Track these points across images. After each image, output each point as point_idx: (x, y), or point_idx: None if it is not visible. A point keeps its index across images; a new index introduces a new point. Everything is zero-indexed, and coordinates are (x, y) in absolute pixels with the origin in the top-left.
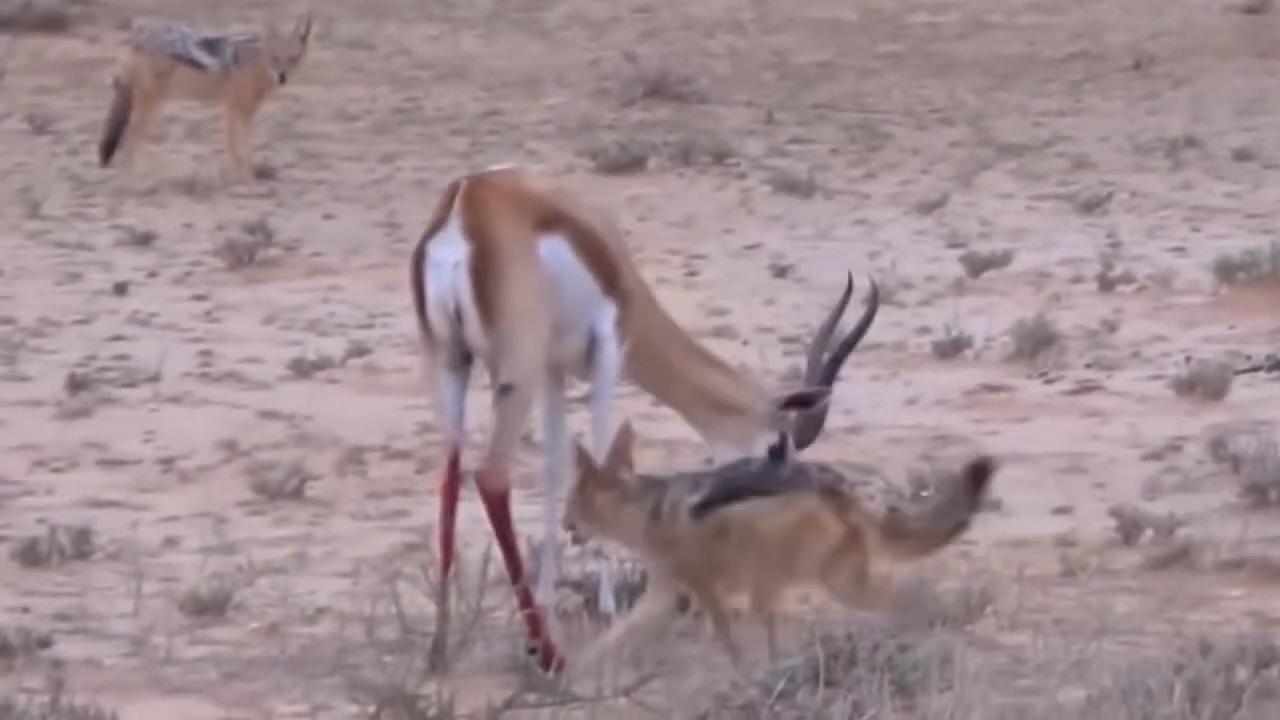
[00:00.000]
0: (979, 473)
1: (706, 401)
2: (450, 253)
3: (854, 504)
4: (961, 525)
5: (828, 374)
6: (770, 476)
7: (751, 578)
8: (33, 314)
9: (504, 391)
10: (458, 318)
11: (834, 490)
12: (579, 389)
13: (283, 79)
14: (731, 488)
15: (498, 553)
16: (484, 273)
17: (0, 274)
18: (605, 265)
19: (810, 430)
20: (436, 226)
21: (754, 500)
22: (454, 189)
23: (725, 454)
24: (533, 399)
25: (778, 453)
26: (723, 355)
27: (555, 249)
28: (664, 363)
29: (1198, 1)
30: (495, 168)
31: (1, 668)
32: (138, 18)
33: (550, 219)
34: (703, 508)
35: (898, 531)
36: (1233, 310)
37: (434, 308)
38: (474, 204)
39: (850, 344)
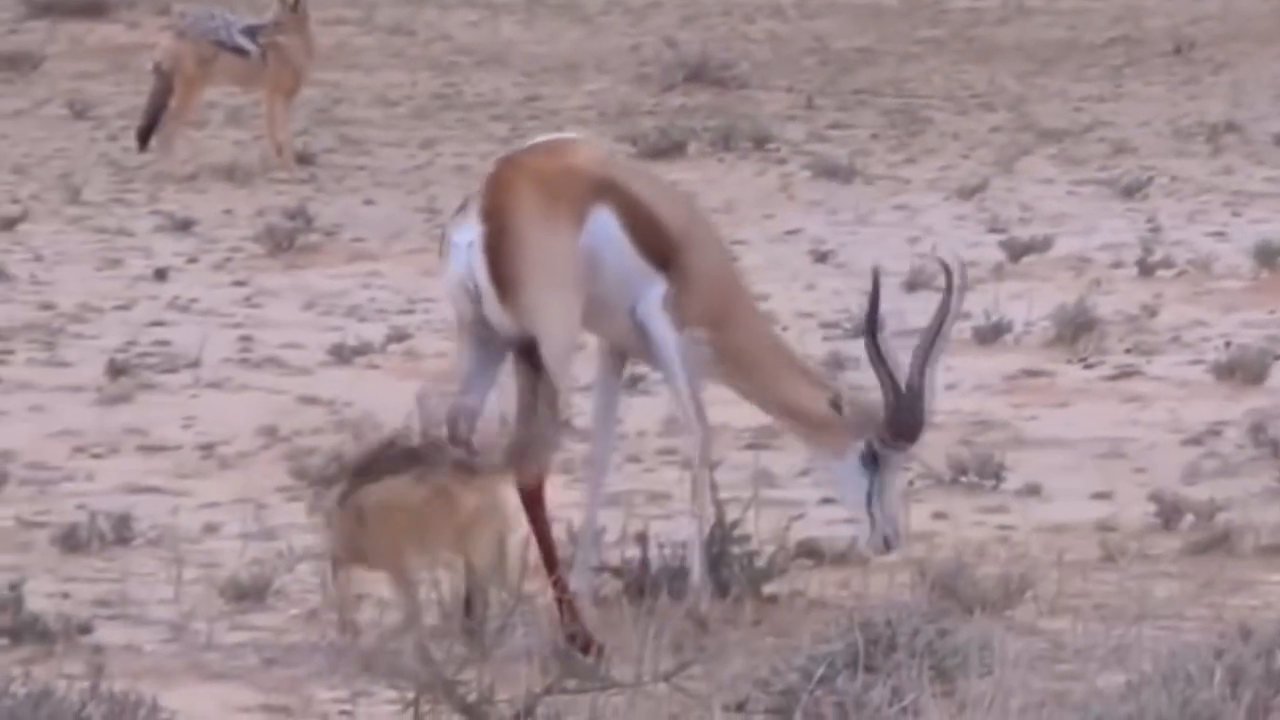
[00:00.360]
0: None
1: (796, 413)
2: (465, 234)
3: (486, 476)
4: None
5: (914, 371)
6: (403, 455)
7: (389, 555)
8: (73, 300)
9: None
10: (477, 298)
11: (465, 464)
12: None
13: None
14: (363, 468)
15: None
16: (498, 253)
17: (40, 260)
18: (657, 240)
19: (912, 428)
20: (462, 208)
21: (386, 480)
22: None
23: (821, 461)
24: (563, 382)
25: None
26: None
27: (601, 220)
28: (752, 368)
29: None
30: (552, 137)
31: (41, 654)
32: (178, 3)
33: (597, 190)
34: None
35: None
36: (1273, 295)
37: (454, 288)
38: (496, 185)
39: (933, 336)
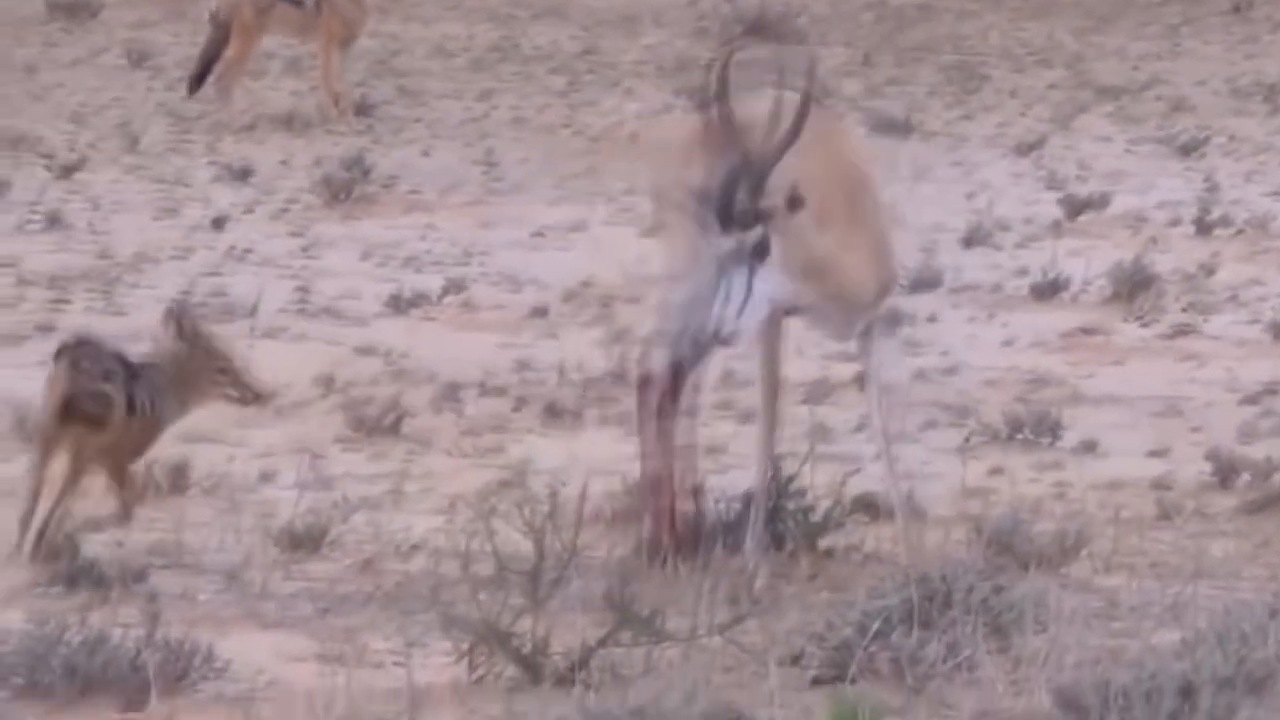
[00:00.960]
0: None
1: None
2: None
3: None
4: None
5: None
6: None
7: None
8: (130, 248)
9: None
10: None
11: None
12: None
13: None
14: None
15: (593, 490)
16: None
17: (98, 208)
18: None
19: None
20: None
21: None
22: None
23: None
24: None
25: None
26: None
27: None
28: None
29: None
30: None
31: (97, 601)
32: None
33: None
34: None
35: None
36: None
37: None
38: None
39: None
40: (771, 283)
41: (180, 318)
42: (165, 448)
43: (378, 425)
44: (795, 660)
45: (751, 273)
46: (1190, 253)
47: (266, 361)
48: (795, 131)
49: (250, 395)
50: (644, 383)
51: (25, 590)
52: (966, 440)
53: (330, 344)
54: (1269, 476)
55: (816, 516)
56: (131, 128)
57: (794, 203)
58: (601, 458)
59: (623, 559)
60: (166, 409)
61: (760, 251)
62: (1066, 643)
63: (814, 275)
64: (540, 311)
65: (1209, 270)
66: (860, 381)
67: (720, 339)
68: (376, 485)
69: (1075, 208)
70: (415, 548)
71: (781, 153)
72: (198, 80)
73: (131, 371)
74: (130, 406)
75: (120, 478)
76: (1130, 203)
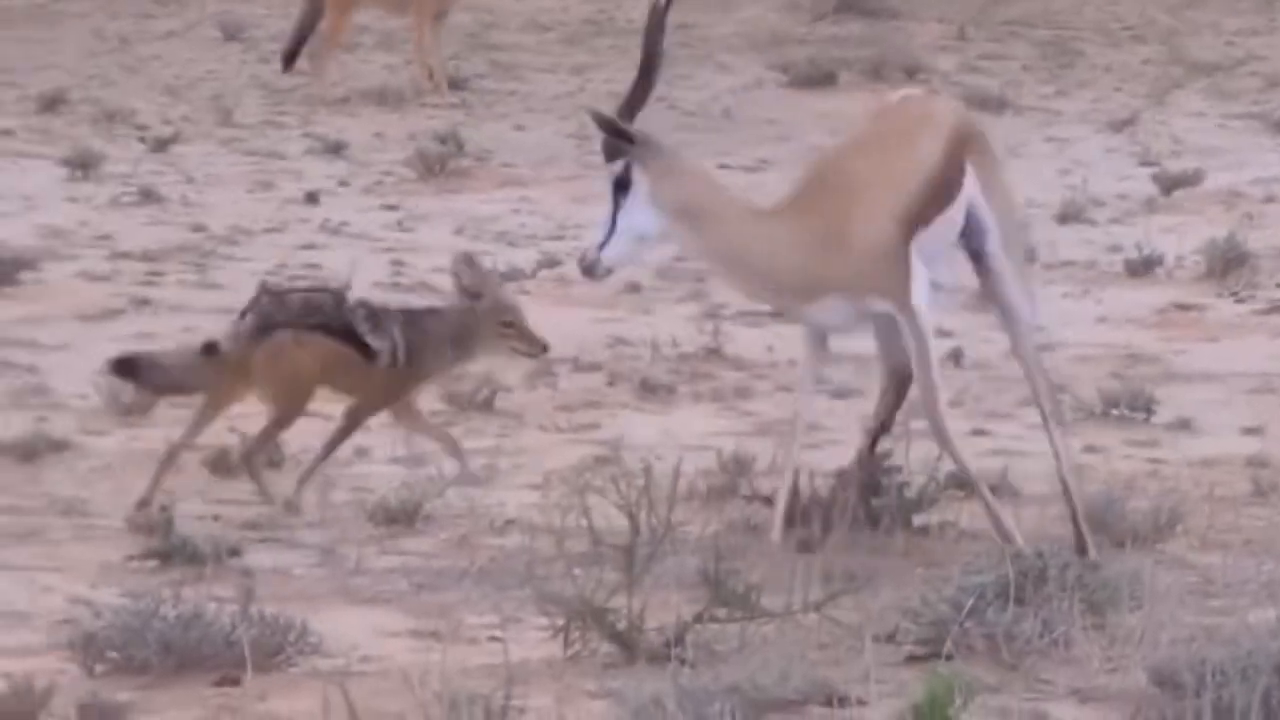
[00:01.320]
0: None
1: None
2: None
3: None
4: None
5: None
6: None
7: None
8: (224, 222)
9: None
10: None
11: None
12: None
13: None
14: None
15: (687, 466)
16: None
17: (192, 181)
18: None
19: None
20: None
21: None
22: None
23: None
24: None
25: None
26: None
27: None
28: None
29: None
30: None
31: (191, 576)
32: None
33: None
34: None
35: None
36: None
37: None
38: None
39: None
40: (638, 218)
41: (464, 271)
42: (259, 423)
43: (472, 401)
44: (890, 637)
45: (615, 205)
46: None
47: None
48: (645, 75)
49: (537, 347)
50: None
51: (120, 565)
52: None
53: None
54: None
55: (911, 493)
56: (225, 101)
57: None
58: (695, 433)
59: (717, 534)
60: (437, 358)
61: (620, 184)
62: (1161, 620)
63: (689, 223)
64: (634, 287)
65: None
66: (955, 358)
67: (582, 270)
68: (471, 461)
69: (1169, 184)
70: (510, 523)
71: (641, 91)
72: (291, 56)
73: (401, 319)
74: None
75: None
76: (1224, 179)
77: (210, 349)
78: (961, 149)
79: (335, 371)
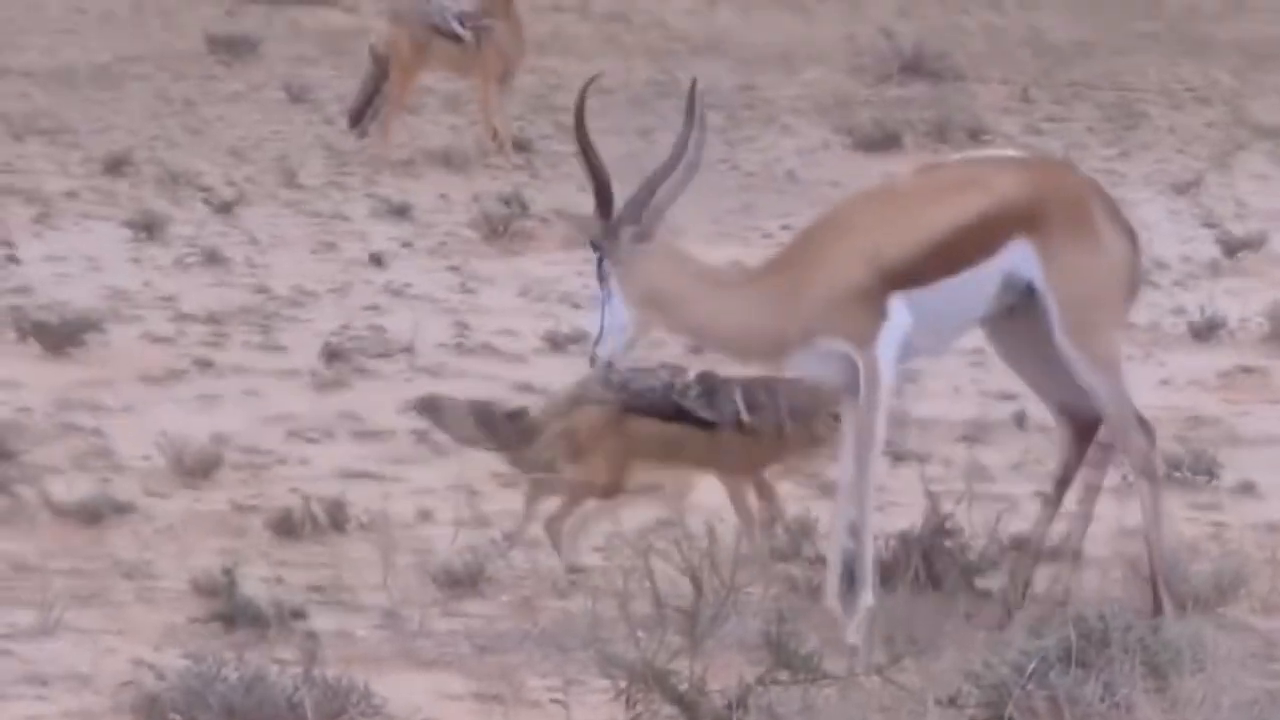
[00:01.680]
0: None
1: None
2: None
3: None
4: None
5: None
6: None
7: None
8: (288, 283)
9: None
10: None
11: None
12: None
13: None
14: None
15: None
16: None
17: (256, 243)
18: None
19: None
20: None
21: None
22: None
23: None
24: None
25: None
26: None
27: None
28: None
29: None
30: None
31: (255, 638)
32: None
33: None
34: None
35: None
36: None
37: None
38: None
39: (675, 159)
40: (616, 312)
41: None
42: (322, 485)
43: (535, 464)
44: (952, 700)
45: (603, 297)
46: None
47: None
48: (657, 177)
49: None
50: None
51: (183, 628)
52: (1124, 480)
53: (488, 380)
54: None
55: (973, 555)
56: (290, 162)
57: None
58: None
59: (779, 597)
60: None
61: (600, 276)
62: (1223, 684)
63: (657, 308)
64: (696, 349)
65: None
66: (1019, 421)
67: (590, 362)
68: (534, 523)
69: (1233, 246)
70: (573, 585)
71: (649, 189)
72: (358, 116)
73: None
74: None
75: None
76: None
77: (517, 415)
78: (1014, 223)
79: (668, 448)
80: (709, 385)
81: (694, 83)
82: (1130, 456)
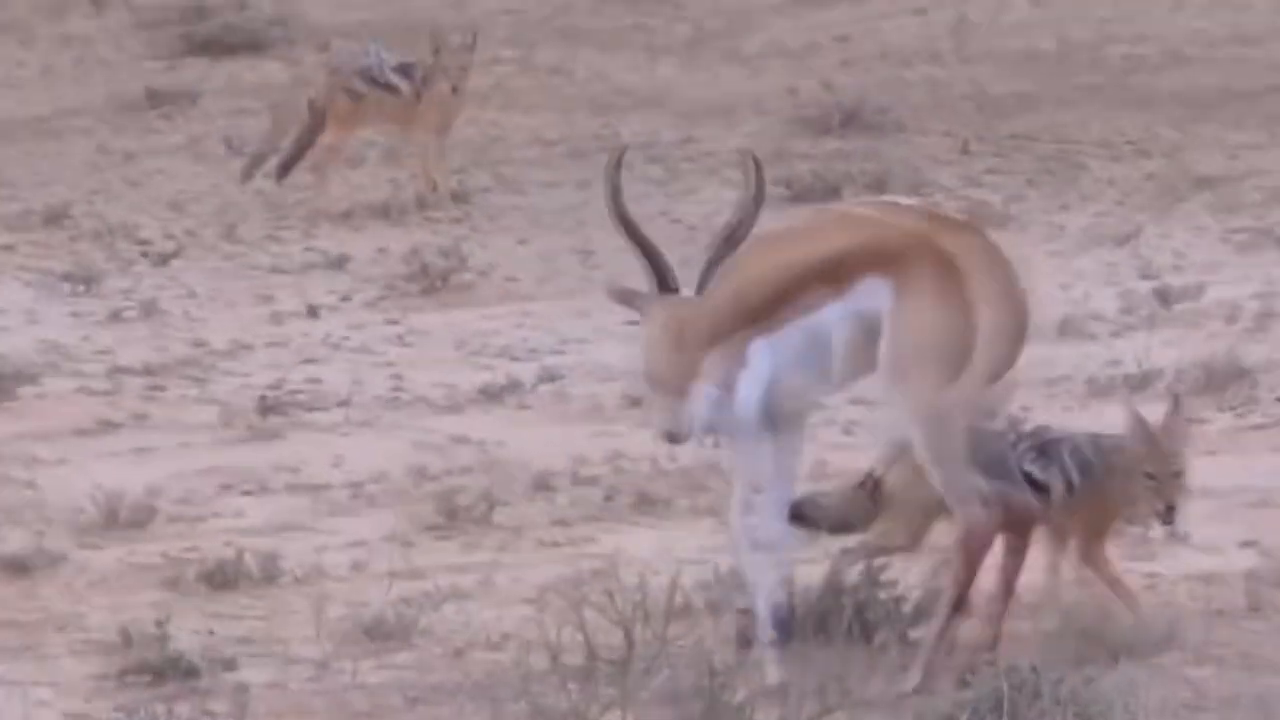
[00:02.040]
0: None
1: None
2: None
3: None
4: None
5: (707, 264)
6: None
7: None
8: (225, 336)
9: None
10: None
11: None
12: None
13: (454, 90)
14: None
15: (684, 580)
16: None
17: (194, 296)
18: None
19: None
20: None
21: None
22: None
23: None
24: None
25: None
26: None
27: None
28: None
29: None
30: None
31: (186, 690)
32: (336, 40)
33: None
34: None
35: None
36: None
37: None
38: None
39: (730, 231)
40: None
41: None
42: (256, 537)
43: (468, 515)
44: None
45: None
46: None
47: (360, 451)
48: (722, 249)
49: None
50: None
51: (115, 680)
52: None
53: (423, 433)
54: None
55: (907, 607)
56: (229, 216)
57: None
58: (693, 547)
59: (713, 649)
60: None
61: None
62: None
63: None
64: (634, 401)
65: None
66: None
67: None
68: (467, 575)
69: (1170, 298)
70: (505, 637)
71: (716, 261)
72: (287, 167)
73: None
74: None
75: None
76: (1225, 293)
77: (870, 483)
78: (868, 264)
79: None
80: (1042, 441)
81: (753, 156)
82: (957, 522)
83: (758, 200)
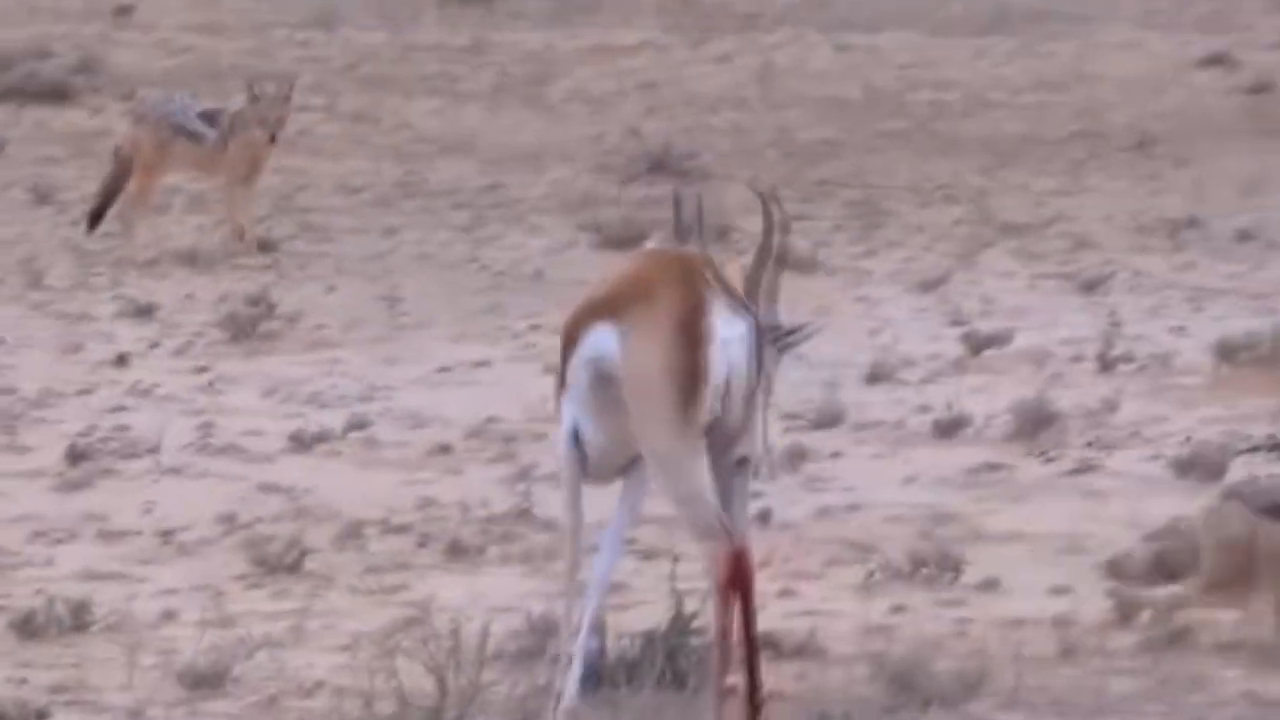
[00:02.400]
0: None
1: None
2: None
3: None
4: None
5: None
6: None
7: None
8: (34, 384)
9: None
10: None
11: None
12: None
13: (272, 139)
14: None
15: (496, 628)
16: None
17: (2, 343)
18: None
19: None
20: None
21: None
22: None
23: None
24: None
25: None
26: None
27: None
28: None
29: (1200, 82)
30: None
31: None
32: (141, 88)
33: None
34: None
35: None
36: (1233, 390)
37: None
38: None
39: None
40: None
41: None
42: (67, 585)
43: (280, 563)
44: None
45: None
46: (1093, 389)
47: (170, 499)
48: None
49: None
50: None
51: None
52: (869, 577)
53: (233, 481)
54: (1170, 613)
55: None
56: (35, 264)
57: None
58: (505, 595)
59: (525, 696)
60: None
61: None
62: None
63: None
64: (444, 448)
65: (1112, 406)
66: (764, 518)
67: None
68: (279, 623)
69: (978, 344)
70: (318, 685)
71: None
72: (97, 216)
73: None
74: None
75: None
76: (1033, 339)
77: None
78: (594, 312)
79: None
80: None
81: (764, 187)
82: (705, 562)
83: (767, 231)
